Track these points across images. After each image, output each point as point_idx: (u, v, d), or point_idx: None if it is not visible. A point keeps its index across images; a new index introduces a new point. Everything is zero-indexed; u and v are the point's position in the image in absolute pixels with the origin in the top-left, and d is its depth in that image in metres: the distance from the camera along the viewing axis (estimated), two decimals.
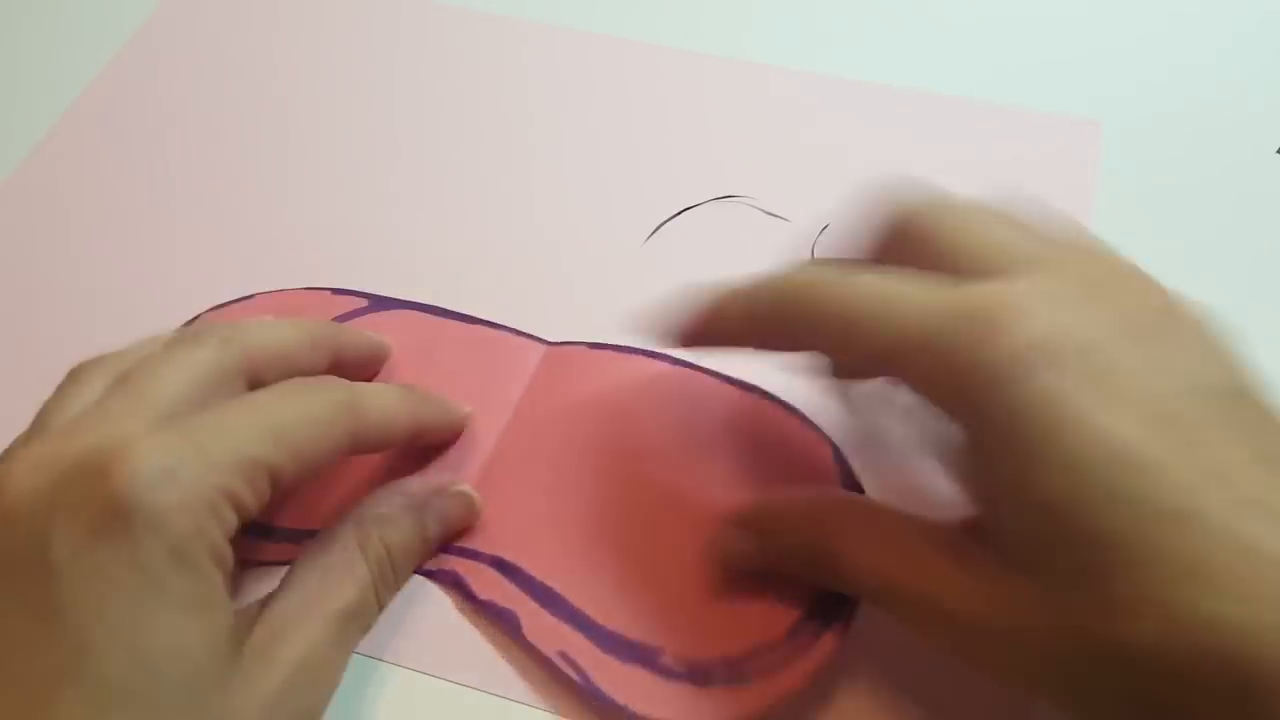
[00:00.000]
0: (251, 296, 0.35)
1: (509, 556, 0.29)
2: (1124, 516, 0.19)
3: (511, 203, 0.38)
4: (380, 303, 0.35)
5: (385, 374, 0.33)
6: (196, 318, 0.35)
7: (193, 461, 0.22)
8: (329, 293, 0.35)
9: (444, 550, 0.30)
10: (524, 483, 0.31)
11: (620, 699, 0.27)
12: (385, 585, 0.27)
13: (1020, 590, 0.21)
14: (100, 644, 0.21)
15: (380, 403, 0.27)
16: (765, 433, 0.32)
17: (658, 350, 0.33)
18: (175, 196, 0.39)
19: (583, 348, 0.34)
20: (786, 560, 0.27)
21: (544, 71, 0.42)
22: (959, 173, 0.35)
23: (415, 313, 0.35)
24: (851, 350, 0.24)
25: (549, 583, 0.29)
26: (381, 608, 0.27)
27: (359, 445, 0.27)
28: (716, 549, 0.28)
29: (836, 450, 0.31)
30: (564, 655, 0.28)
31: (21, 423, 0.25)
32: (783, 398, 0.32)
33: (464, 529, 0.30)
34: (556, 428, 0.32)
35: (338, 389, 0.27)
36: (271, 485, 0.24)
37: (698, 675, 0.27)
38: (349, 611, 0.25)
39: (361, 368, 0.32)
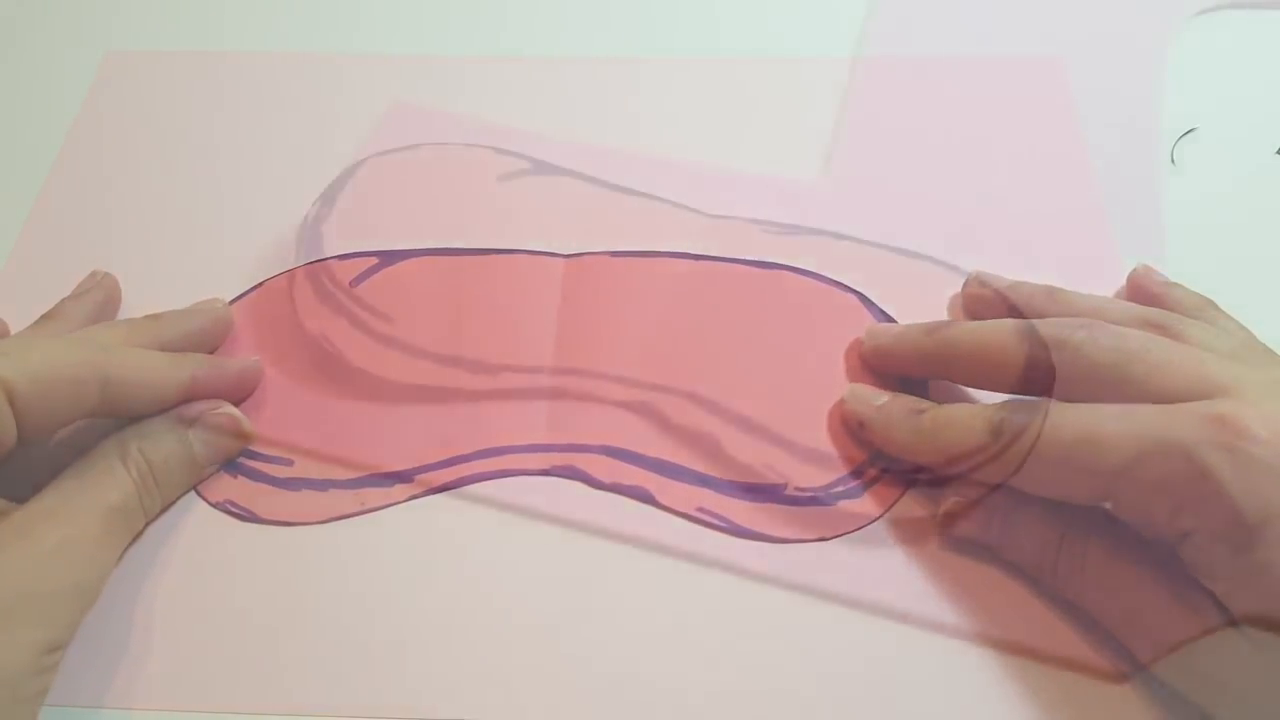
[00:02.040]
0: (261, 284, 0.35)
1: (615, 443, 0.31)
2: None
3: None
4: (389, 257, 0.35)
5: (421, 317, 0.33)
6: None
7: None
8: (334, 261, 0.35)
9: (553, 449, 0.31)
10: (599, 378, 0.32)
11: (765, 531, 0.29)
12: (148, 493, 0.28)
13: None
14: None
15: (137, 361, 0.29)
16: (799, 295, 0.34)
17: (675, 251, 0.35)
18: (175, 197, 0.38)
19: (604, 256, 0.35)
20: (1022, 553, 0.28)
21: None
22: (943, 131, 0.38)
23: (427, 258, 0.35)
24: (1087, 473, 0.25)
25: (661, 456, 0.30)
26: (147, 515, 0.29)
27: (113, 396, 0.28)
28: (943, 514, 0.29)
29: (864, 297, 0.34)
30: (702, 509, 0.29)
31: None
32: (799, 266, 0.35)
33: (235, 449, 0.31)
34: (608, 328, 0.33)
35: (91, 344, 0.28)
36: (5, 396, 0.25)
37: (821, 497, 0.30)
38: (113, 507, 0.27)
39: (201, 336, 0.32)
